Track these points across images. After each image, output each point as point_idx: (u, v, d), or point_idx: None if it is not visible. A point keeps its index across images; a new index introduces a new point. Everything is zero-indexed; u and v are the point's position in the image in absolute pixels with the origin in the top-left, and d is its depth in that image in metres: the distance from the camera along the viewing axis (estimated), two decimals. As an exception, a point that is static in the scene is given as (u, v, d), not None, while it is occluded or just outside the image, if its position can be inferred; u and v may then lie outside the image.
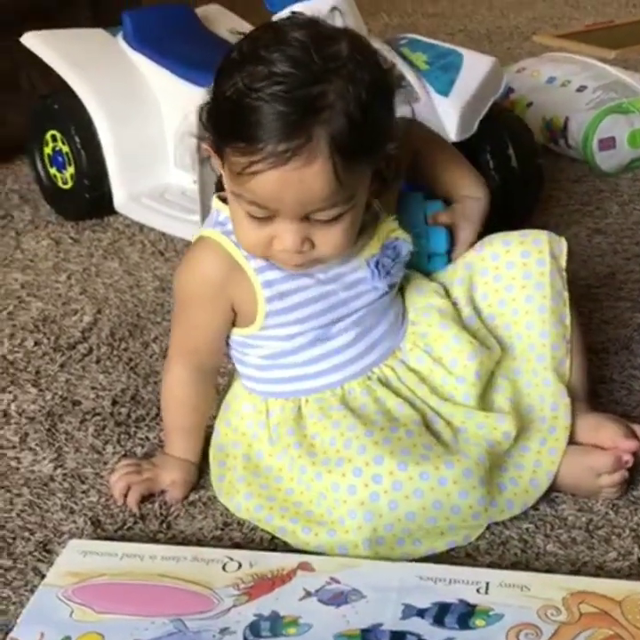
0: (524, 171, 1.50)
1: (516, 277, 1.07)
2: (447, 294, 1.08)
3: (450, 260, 1.11)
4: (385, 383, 1.02)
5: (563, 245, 1.08)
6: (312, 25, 0.91)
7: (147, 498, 1.04)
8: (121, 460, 1.10)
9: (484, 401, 1.04)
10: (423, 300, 1.06)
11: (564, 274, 1.08)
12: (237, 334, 1.03)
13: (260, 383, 1.04)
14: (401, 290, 1.07)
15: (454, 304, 1.07)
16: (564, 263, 1.08)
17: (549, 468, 1.00)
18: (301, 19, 0.92)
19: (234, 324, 1.02)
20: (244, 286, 0.99)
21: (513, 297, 1.07)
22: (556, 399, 1.04)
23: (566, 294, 1.07)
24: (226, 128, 0.90)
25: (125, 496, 1.03)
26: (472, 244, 1.10)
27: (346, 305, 1.01)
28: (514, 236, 1.08)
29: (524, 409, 1.05)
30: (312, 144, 0.86)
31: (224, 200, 1.00)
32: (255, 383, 1.05)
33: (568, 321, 1.07)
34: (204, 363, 1.05)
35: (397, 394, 1.01)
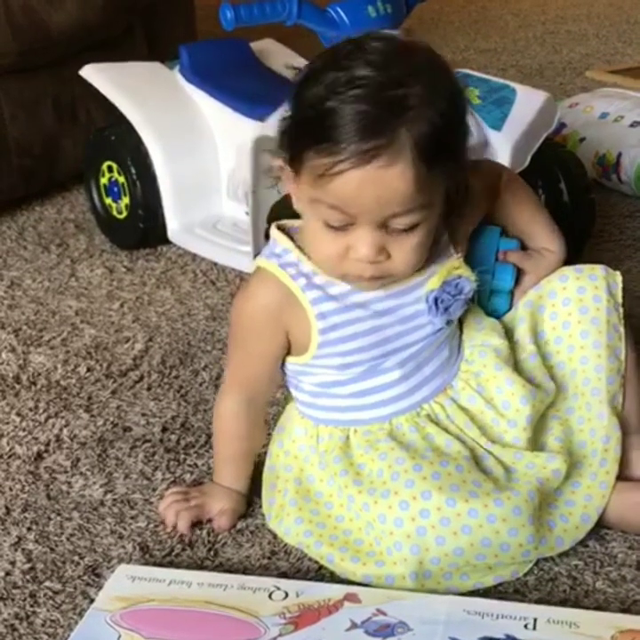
0: (575, 205, 1.50)
1: (572, 313, 1.06)
2: (506, 333, 1.07)
3: (511, 301, 1.10)
4: (433, 420, 1.01)
5: (618, 280, 1.08)
6: (391, 38, 0.94)
7: (195, 525, 1.05)
8: (170, 486, 1.11)
9: (534, 443, 1.03)
10: (480, 338, 1.05)
11: (621, 309, 1.07)
12: (292, 362, 1.03)
13: (312, 409, 1.05)
14: (459, 323, 1.06)
15: (516, 342, 1.07)
16: (620, 298, 1.07)
17: (599, 502, 0.99)
18: (380, 33, 0.95)
19: (288, 353, 1.03)
20: (299, 317, 0.99)
21: (569, 333, 1.07)
22: (609, 432, 1.03)
23: (622, 330, 1.07)
24: (307, 133, 0.91)
25: (175, 523, 1.04)
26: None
27: (400, 338, 1.01)
28: (570, 272, 1.08)
29: (576, 446, 1.04)
30: (395, 145, 0.87)
31: (283, 230, 1.01)
32: (308, 408, 1.05)
33: (623, 356, 1.06)
34: (257, 393, 1.06)
35: (446, 431, 1.01)
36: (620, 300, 1.07)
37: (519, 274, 1.10)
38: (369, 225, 0.91)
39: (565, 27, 3.07)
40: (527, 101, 1.45)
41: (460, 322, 1.06)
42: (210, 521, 1.05)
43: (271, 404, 1.20)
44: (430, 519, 0.93)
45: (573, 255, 1.49)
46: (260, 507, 1.07)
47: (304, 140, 0.91)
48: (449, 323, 1.02)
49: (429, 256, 0.99)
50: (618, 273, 1.09)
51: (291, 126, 0.94)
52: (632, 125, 1.81)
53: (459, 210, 0.99)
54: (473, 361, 1.04)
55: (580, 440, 1.04)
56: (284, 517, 1.02)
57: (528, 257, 1.10)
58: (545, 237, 1.11)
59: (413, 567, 0.93)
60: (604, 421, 1.04)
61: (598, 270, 1.08)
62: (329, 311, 0.99)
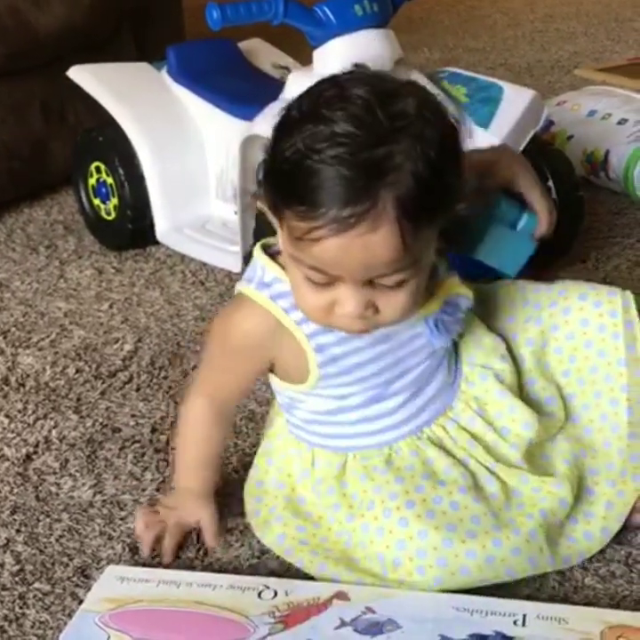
0: (564, 203, 1.50)
1: (577, 348, 1.03)
2: (509, 349, 1.03)
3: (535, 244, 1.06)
4: (436, 443, 0.99)
5: (629, 297, 1.03)
6: (375, 80, 0.86)
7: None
8: (159, 487, 1.11)
9: (540, 462, 1.01)
10: (481, 358, 1.02)
11: (636, 326, 1.02)
12: (287, 389, 1.00)
13: (306, 433, 1.02)
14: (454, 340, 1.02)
15: (520, 366, 1.03)
16: (632, 316, 1.02)
17: (613, 529, 0.98)
18: (364, 73, 0.88)
19: (278, 376, 1.00)
20: (290, 347, 0.95)
21: (577, 367, 1.03)
22: (626, 465, 1.01)
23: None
24: (285, 190, 0.85)
25: (149, 545, 1.01)
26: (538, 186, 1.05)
27: (401, 363, 0.97)
28: (573, 302, 1.03)
29: (587, 471, 1.02)
30: (377, 209, 0.81)
31: (271, 255, 0.96)
32: (301, 432, 1.03)
33: None
34: (227, 403, 1.04)
35: (449, 453, 0.98)
36: (632, 317, 1.02)
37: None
38: (354, 283, 0.86)
39: (554, 25, 3.07)
40: (514, 100, 1.45)
41: (456, 338, 1.02)
42: (190, 532, 1.03)
43: (248, 419, 1.21)
44: (427, 559, 0.92)
45: (562, 252, 1.51)
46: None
47: (281, 197, 0.85)
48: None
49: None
50: (628, 292, 1.03)
51: (269, 175, 0.87)
52: (620, 123, 1.81)
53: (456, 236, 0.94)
54: (473, 382, 1.01)
55: (591, 466, 1.02)
56: (266, 533, 1.01)
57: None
58: (506, 165, 1.06)
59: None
60: (622, 455, 1.01)
61: (604, 295, 1.03)
62: (327, 343, 0.94)
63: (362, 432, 1.00)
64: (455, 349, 1.03)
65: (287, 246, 0.88)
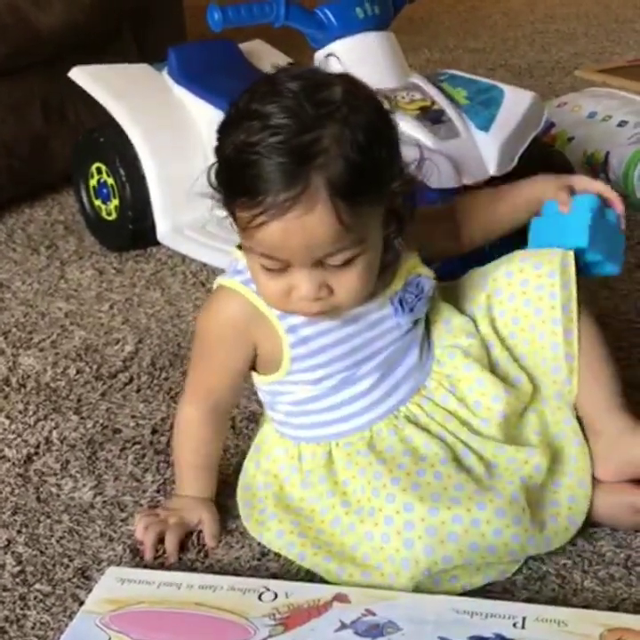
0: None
1: (518, 309, 1.04)
2: (477, 328, 1.06)
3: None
4: (413, 420, 1.01)
5: (569, 259, 1.03)
6: (306, 74, 0.92)
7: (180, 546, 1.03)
8: (160, 488, 1.11)
9: (513, 437, 1.03)
10: (450, 339, 1.04)
11: (571, 287, 1.03)
12: (266, 382, 1.03)
13: (290, 428, 1.04)
14: (427, 323, 1.06)
15: (484, 340, 1.05)
16: (569, 276, 1.02)
17: (584, 506, 0.99)
18: (296, 69, 0.94)
19: (258, 372, 1.03)
20: (267, 332, 0.99)
21: (521, 328, 1.04)
22: (579, 436, 1.03)
23: (575, 308, 1.03)
24: (229, 185, 0.91)
25: (151, 546, 1.02)
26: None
27: (370, 345, 1.00)
28: (515, 266, 1.05)
29: (553, 438, 1.04)
30: (310, 191, 0.86)
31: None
32: (285, 428, 1.05)
33: (574, 337, 1.03)
34: (220, 403, 1.05)
35: (426, 430, 1.01)
36: (570, 277, 1.02)
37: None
38: (304, 266, 0.91)
39: (554, 26, 3.07)
40: (515, 102, 1.46)
41: (428, 323, 1.06)
42: (191, 533, 1.04)
43: (248, 420, 1.21)
44: (416, 530, 0.93)
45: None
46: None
47: (227, 192, 0.92)
48: (415, 323, 1.02)
49: (385, 263, 0.97)
50: (570, 253, 1.03)
51: (217, 174, 0.93)
52: (620, 125, 1.81)
53: (410, 216, 0.97)
54: (444, 362, 1.04)
55: (555, 432, 1.04)
56: (263, 532, 1.02)
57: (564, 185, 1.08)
58: (525, 187, 1.10)
59: (404, 581, 0.93)
60: (571, 425, 1.04)
61: (545, 256, 1.03)
62: (298, 324, 0.98)
63: (341, 417, 1.02)
64: (428, 335, 1.05)
65: (241, 239, 0.94)
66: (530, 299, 1.03)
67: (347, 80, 0.92)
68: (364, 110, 0.90)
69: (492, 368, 1.04)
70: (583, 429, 1.04)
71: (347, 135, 0.88)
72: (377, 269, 0.95)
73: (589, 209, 1.05)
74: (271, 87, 0.90)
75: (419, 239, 1.02)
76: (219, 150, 0.92)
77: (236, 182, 0.90)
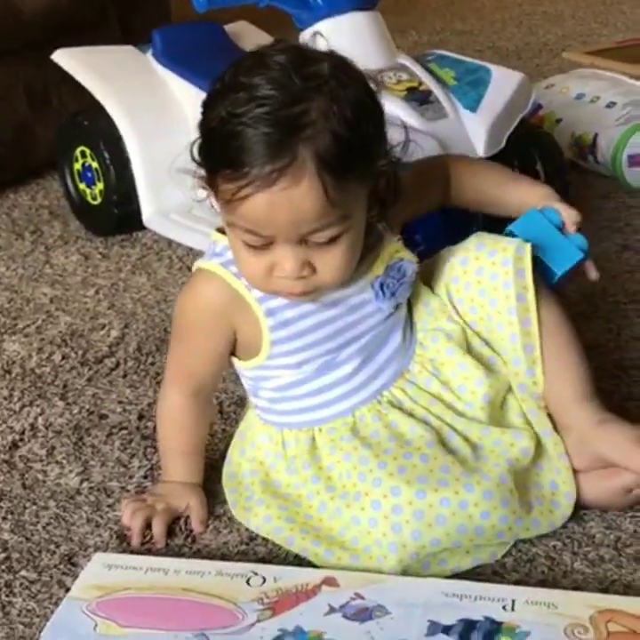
0: (552, 186, 1.50)
1: (474, 299, 1.02)
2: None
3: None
4: (396, 405, 1.01)
5: (526, 248, 1.00)
6: (294, 49, 0.91)
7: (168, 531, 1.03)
8: (146, 474, 1.10)
9: (497, 419, 1.02)
10: (432, 322, 1.03)
11: (527, 275, 1.00)
12: (248, 368, 1.02)
13: (274, 415, 1.04)
14: (408, 306, 1.05)
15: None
16: (524, 265, 0.99)
17: (566, 489, 0.99)
18: (284, 44, 0.92)
19: (239, 357, 1.02)
20: (247, 316, 0.98)
21: (480, 317, 1.02)
22: (546, 427, 1.01)
23: (530, 297, 1.00)
24: (213, 158, 0.90)
25: (138, 532, 1.01)
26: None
27: (351, 329, 0.99)
28: (471, 253, 1.02)
29: (531, 421, 1.03)
30: (297, 163, 0.85)
31: (222, 231, 0.98)
32: (268, 414, 1.04)
33: (533, 327, 1.00)
34: (201, 387, 1.04)
35: (410, 414, 1.00)
36: (525, 266, 0.99)
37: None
38: (288, 243, 0.90)
39: (542, 8, 3.07)
40: (502, 82, 1.45)
41: (410, 306, 1.05)
42: (179, 518, 1.03)
43: (236, 405, 1.20)
44: (403, 514, 0.92)
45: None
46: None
47: (211, 164, 0.90)
48: (396, 307, 1.01)
49: (367, 246, 0.97)
50: (528, 244, 1.00)
51: (200, 148, 0.92)
52: (608, 106, 1.80)
53: (393, 204, 0.96)
54: (427, 346, 1.03)
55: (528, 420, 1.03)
56: (251, 518, 1.01)
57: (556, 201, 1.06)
58: (525, 187, 1.09)
59: (393, 564, 0.93)
60: (536, 418, 1.02)
61: (500, 244, 1.01)
62: (278, 307, 0.97)
63: (323, 402, 1.01)
64: (411, 318, 1.04)
65: (223, 214, 0.92)
66: (485, 288, 1.01)
67: (334, 57, 0.92)
68: (351, 86, 0.89)
69: (470, 352, 1.03)
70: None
71: (334, 110, 0.87)
72: (360, 250, 0.95)
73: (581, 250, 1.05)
74: (258, 60, 0.89)
75: (412, 194, 1.00)
76: (203, 124, 0.91)
77: (221, 154, 0.88)
